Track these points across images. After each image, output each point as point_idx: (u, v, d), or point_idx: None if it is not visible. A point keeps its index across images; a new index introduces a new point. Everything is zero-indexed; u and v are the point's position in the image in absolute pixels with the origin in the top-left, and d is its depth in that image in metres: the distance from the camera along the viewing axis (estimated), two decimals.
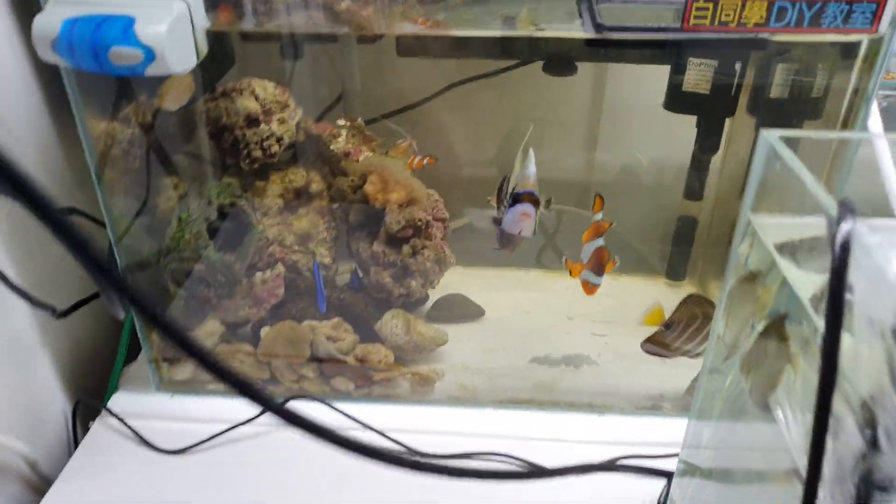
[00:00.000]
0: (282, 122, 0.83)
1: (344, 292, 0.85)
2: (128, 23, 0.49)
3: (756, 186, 0.44)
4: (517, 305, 0.95)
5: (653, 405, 0.81)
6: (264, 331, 0.79)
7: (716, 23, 0.53)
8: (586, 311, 0.94)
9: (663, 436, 0.73)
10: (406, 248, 0.82)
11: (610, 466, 0.70)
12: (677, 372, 0.83)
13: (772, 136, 0.41)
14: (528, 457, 0.72)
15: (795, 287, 0.42)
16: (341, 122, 0.87)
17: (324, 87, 0.94)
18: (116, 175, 0.71)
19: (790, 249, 0.47)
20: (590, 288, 0.74)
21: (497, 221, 0.74)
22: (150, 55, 0.50)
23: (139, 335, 0.78)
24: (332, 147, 0.85)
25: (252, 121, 0.82)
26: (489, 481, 0.67)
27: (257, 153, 0.82)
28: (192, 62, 0.54)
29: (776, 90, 0.79)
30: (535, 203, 0.68)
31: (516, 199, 0.68)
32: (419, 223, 0.82)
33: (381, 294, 0.85)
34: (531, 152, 0.71)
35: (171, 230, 0.75)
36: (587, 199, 1.01)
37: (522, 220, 0.67)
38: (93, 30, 0.49)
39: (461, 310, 0.92)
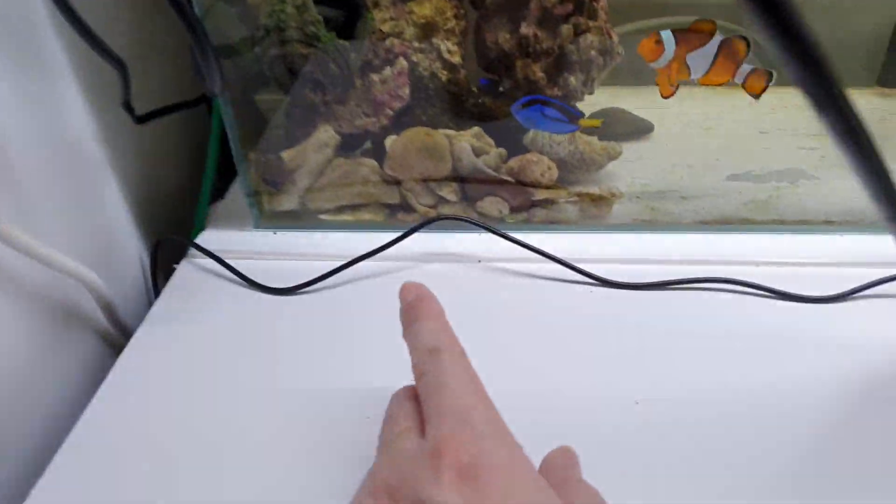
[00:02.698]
0: None
1: (482, 97, 0.68)
2: None
3: None
4: (692, 122, 0.77)
5: None
6: (389, 141, 0.63)
7: None
8: (782, 124, 0.76)
9: None
10: (566, 28, 0.64)
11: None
12: None
13: None
14: (770, 283, 0.56)
15: None
16: None
17: None
18: None
19: None
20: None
21: None
22: None
23: (234, 157, 0.62)
24: None
25: None
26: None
27: None
28: None
29: None
30: None
31: None
32: None
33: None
34: None
35: (268, 3, 0.58)
36: None
37: None
38: None
39: (623, 125, 0.74)
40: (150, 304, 0.60)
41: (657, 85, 0.61)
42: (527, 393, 0.47)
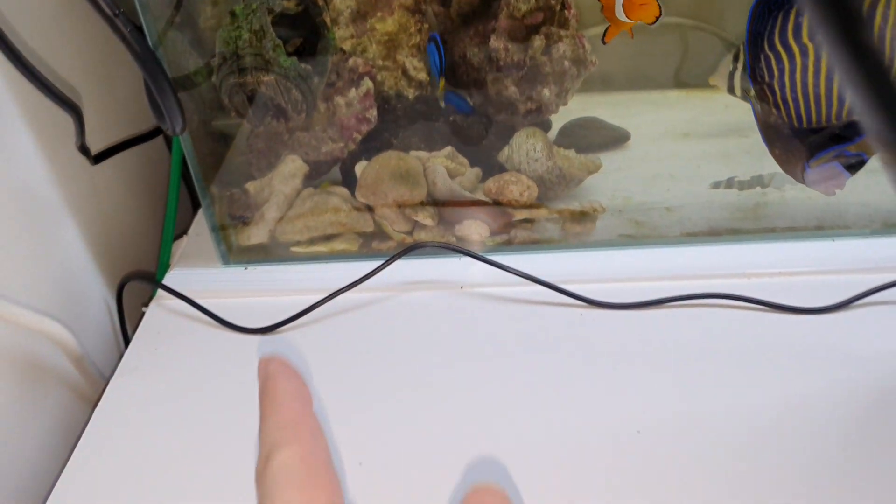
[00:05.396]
0: None
1: (452, 114, 0.66)
2: None
3: None
4: (668, 128, 0.77)
5: None
6: (360, 167, 0.61)
7: None
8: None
9: None
10: (538, 40, 0.63)
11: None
12: None
13: None
14: (763, 296, 0.55)
15: None
16: None
17: None
18: None
19: None
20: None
21: None
22: None
23: (198, 192, 0.60)
24: None
25: None
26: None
27: None
28: None
29: None
30: None
31: None
32: (554, 1, 0.63)
33: (501, 113, 0.66)
34: None
35: (224, 30, 0.56)
36: None
37: None
38: None
39: (599, 135, 0.73)
40: (119, 350, 0.58)
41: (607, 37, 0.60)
42: (520, 427, 0.46)
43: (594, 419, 0.46)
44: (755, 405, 0.46)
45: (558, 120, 0.73)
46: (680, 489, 0.42)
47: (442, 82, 0.63)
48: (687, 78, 0.83)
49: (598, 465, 0.43)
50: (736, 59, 0.62)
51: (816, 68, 0.54)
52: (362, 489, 0.43)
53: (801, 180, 0.60)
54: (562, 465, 0.43)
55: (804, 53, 0.54)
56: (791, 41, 0.54)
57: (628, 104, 0.79)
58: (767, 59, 0.56)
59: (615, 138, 0.74)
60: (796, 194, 0.66)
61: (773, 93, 0.57)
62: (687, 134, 0.75)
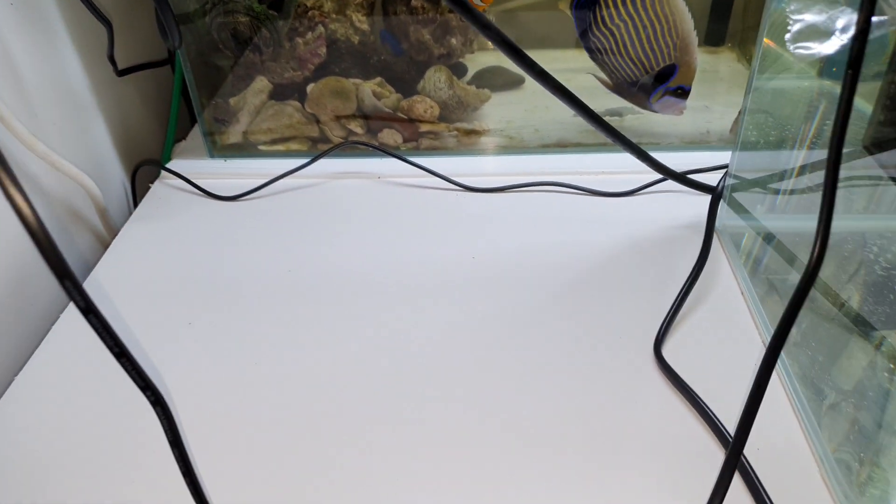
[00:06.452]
0: None
1: (383, 55, 0.89)
2: None
3: None
4: (556, 75, 0.99)
5: (701, 140, 0.86)
6: (310, 87, 0.85)
7: None
8: None
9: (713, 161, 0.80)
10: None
11: (670, 175, 0.75)
12: (721, 114, 0.88)
13: None
14: (584, 185, 0.78)
15: None
16: None
17: None
18: None
19: None
20: None
21: None
22: None
23: (193, 102, 0.84)
24: None
25: None
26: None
27: None
28: None
29: None
30: None
31: None
32: None
33: (421, 55, 0.89)
34: None
35: None
36: None
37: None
38: None
39: (501, 78, 0.96)
40: (130, 214, 0.81)
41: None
42: (408, 259, 0.69)
43: (453, 250, 0.70)
44: (560, 247, 0.70)
45: (474, 68, 0.96)
46: (496, 291, 0.65)
47: None
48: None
49: (449, 276, 0.67)
50: None
51: (623, 42, 0.77)
52: (287, 296, 0.67)
53: (654, 111, 0.82)
54: (426, 278, 0.67)
55: (612, 34, 0.76)
56: (603, 28, 0.77)
57: (532, 58, 1.02)
58: (593, 41, 0.79)
59: (513, 81, 0.97)
60: (631, 123, 0.88)
61: (606, 62, 0.80)
62: (568, 79, 0.98)
